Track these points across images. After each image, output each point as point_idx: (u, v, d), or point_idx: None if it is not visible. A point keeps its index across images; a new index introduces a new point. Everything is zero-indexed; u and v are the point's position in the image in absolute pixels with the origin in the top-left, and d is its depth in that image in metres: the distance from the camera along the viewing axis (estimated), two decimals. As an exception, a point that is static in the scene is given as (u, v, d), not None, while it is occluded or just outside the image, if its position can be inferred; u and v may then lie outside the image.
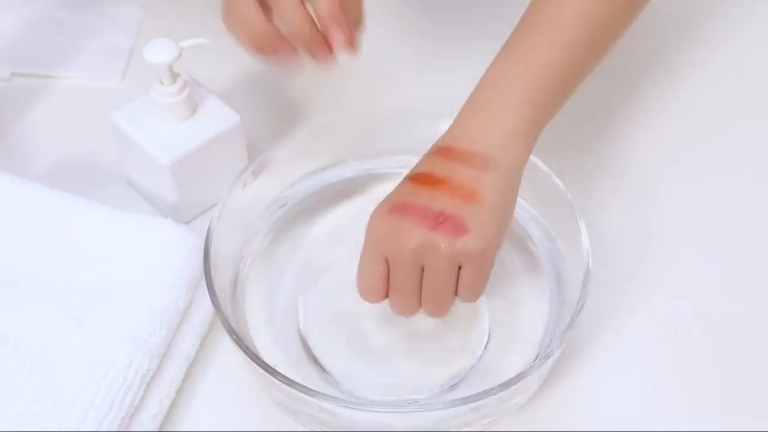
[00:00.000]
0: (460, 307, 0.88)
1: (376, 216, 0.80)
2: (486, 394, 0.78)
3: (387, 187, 0.82)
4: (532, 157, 0.88)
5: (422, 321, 0.88)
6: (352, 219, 0.86)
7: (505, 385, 0.78)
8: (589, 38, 0.83)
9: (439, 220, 0.78)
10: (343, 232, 0.91)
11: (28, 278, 0.86)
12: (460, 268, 0.79)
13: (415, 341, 0.87)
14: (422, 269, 0.79)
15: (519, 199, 0.91)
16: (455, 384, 0.84)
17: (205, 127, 0.93)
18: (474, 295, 0.81)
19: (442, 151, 0.81)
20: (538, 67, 0.81)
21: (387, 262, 0.79)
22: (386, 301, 0.84)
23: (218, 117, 0.94)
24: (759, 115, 1.04)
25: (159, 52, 0.89)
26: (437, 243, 0.77)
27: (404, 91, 1.04)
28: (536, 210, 0.91)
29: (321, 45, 0.83)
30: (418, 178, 0.80)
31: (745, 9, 1.12)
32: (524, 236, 0.91)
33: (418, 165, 0.82)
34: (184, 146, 0.92)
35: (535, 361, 0.81)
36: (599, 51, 0.85)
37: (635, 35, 1.08)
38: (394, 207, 0.79)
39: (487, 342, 0.87)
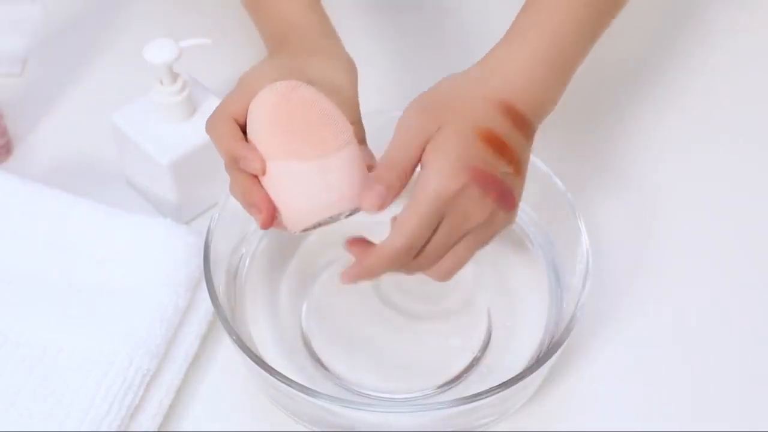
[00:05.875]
0: (460, 308, 0.89)
1: (451, 173, 0.73)
2: (486, 394, 0.78)
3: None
4: (532, 157, 0.89)
5: (423, 320, 0.88)
6: (351, 218, 0.85)
7: (505, 385, 0.78)
8: (590, 13, 0.80)
9: (502, 192, 0.75)
10: (343, 231, 0.91)
11: (28, 278, 0.86)
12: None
13: (416, 341, 0.87)
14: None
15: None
16: (455, 384, 0.84)
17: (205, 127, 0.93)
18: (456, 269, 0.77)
19: (504, 108, 0.76)
20: (566, 36, 0.79)
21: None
22: (386, 302, 0.84)
23: (218, 117, 0.93)
24: (758, 115, 1.04)
25: (159, 52, 0.89)
26: (497, 220, 0.75)
27: (404, 92, 1.04)
28: (536, 210, 0.91)
29: (256, 213, 0.76)
30: (487, 138, 0.75)
31: (747, 11, 1.12)
32: (524, 236, 0.91)
33: (482, 114, 0.76)
34: (184, 146, 0.92)
35: (535, 361, 0.81)
36: (599, 25, 0.82)
37: (635, 36, 1.08)
38: (470, 170, 0.73)
39: (487, 342, 0.87)
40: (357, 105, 0.81)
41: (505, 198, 0.75)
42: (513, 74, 0.77)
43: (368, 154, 0.80)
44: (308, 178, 0.74)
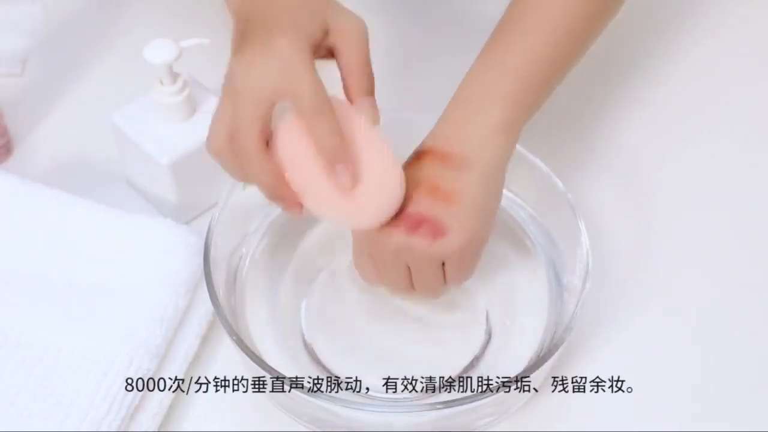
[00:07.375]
0: (460, 308, 0.89)
1: None
2: (486, 394, 0.78)
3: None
4: (531, 157, 0.89)
5: (423, 320, 0.88)
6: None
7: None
8: (568, 37, 0.83)
9: (417, 223, 0.78)
10: (343, 232, 0.91)
11: (28, 278, 0.86)
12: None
13: (416, 341, 0.87)
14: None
15: (518, 200, 0.91)
16: (455, 383, 0.84)
17: (205, 127, 0.92)
18: (460, 281, 0.83)
19: (421, 155, 0.81)
20: (516, 66, 0.81)
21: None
22: (386, 302, 0.84)
23: (218, 117, 0.93)
24: (758, 114, 1.04)
25: (159, 52, 0.89)
26: (414, 247, 0.79)
27: (404, 93, 1.04)
28: (536, 210, 0.91)
29: (286, 201, 0.79)
30: None
31: (741, 4, 1.12)
32: (524, 236, 0.91)
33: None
34: (184, 146, 0.92)
35: (535, 361, 0.81)
36: (578, 49, 0.84)
37: (636, 34, 1.08)
38: None
39: (487, 342, 0.87)
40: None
41: (421, 226, 0.78)
42: (440, 122, 0.82)
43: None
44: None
